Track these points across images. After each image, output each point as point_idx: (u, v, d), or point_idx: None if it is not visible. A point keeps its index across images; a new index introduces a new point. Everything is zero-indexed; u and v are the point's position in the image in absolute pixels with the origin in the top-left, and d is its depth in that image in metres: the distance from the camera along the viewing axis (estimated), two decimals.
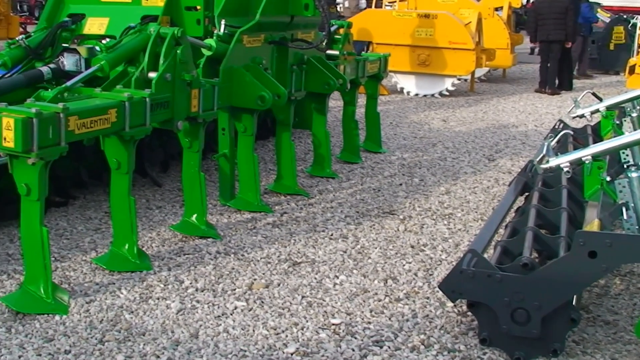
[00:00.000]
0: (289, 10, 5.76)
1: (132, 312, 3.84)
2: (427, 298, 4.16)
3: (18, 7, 22.71)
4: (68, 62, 5.81)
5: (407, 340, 3.66)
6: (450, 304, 4.01)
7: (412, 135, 8.93)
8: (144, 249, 4.63)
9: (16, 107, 3.66)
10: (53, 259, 4.31)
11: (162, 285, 4.17)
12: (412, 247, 5.00)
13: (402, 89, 12.60)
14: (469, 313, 3.74)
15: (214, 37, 5.28)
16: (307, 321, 3.81)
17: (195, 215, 4.98)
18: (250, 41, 5.41)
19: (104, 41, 5.75)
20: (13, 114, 3.58)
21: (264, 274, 4.41)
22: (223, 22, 5.31)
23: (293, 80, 5.89)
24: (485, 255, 3.70)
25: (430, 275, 4.51)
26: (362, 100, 7.82)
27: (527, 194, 5.18)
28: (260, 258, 4.65)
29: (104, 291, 4.07)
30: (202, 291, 4.11)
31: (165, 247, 4.79)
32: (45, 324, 3.67)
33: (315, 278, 4.37)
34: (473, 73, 12.93)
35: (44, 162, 3.68)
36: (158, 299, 4.00)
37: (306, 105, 6.46)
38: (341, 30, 6.97)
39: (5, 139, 3.59)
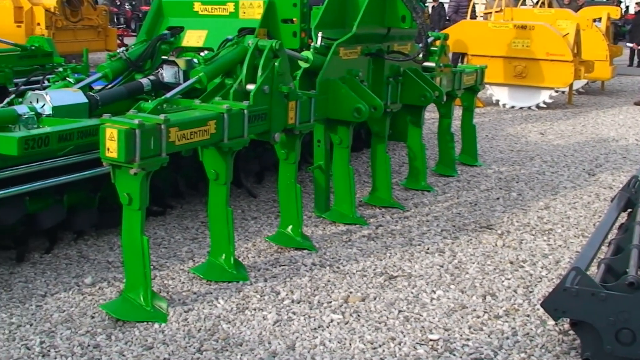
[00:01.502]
0: (386, 22, 5.72)
1: (230, 322, 3.85)
2: (528, 316, 4.04)
3: (115, 20, 23.38)
4: (167, 74, 5.93)
5: (507, 358, 3.56)
6: (551, 322, 3.89)
7: (508, 148, 8.75)
8: (240, 259, 4.66)
9: (119, 119, 3.73)
10: (152, 267, 4.38)
11: (258, 296, 4.18)
12: (511, 263, 4.87)
13: (497, 101, 12.38)
14: (571, 332, 3.61)
15: (311, 49, 5.29)
16: (404, 336, 3.75)
17: (290, 227, 4.99)
18: (347, 53, 5.40)
19: (202, 53, 5.85)
20: (116, 125, 3.65)
21: (359, 287, 4.37)
22: (320, 34, 5.32)
23: (389, 93, 5.84)
24: (588, 273, 3.56)
25: (530, 292, 4.38)
26: (457, 112, 7.70)
27: (630, 210, 4.99)
28: (356, 271, 4.61)
29: (201, 300, 4.10)
30: (298, 303, 4.10)
31: (261, 258, 4.80)
32: (145, 331, 3.72)
33: (412, 292, 4.31)
34: (571, 85, 12.60)
35: (146, 173, 3.74)
36: (255, 309, 4.01)
37: (401, 118, 6.40)
38: (438, 42, 6.90)
39: (108, 149, 3.66)
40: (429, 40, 6.62)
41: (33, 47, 7.84)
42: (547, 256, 5.01)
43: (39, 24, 13.98)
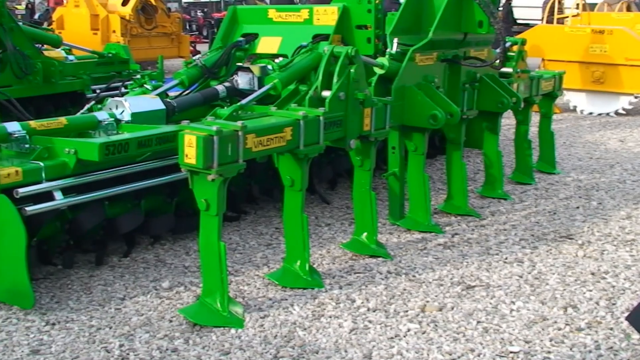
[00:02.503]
0: (462, 27, 5.64)
1: (305, 329, 3.84)
2: (611, 329, 3.92)
3: (187, 27, 23.72)
4: (242, 80, 5.98)
5: None
6: (636, 336, 3.76)
7: (587, 155, 8.54)
8: (314, 266, 4.64)
9: (197, 125, 3.76)
10: (228, 273, 4.39)
11: (333, 304, 4.15)
12: (593, 274, 4.73)
13: (574, 107, 12.11)
14: None
15: (386, 56, 5.25)
16: (483, 347, 3.67)
17: (365, 234, 4.95)
18: (423, 59, 5.34)
19: (276, 60, 5.88)
20: (195, 131, 3.67)
21: (436, 296, 4.30)
22: (396, 40, 5.27)
23: (465, 99, 5.76)
24: None
25: (613, 304, 4.25)
26: (534, 118, 7.56)
27: None
28: (432, 280, 4.55)
29: (277, 307, 4.10)
30: (374, 311, 4.06)
31: (335, 265, 4.78)
32: (222, 336, 3.73)
33: (491, 303, 4.22)
34: None
35: (223, 179, 3.75)
36: (330, 317, 3.98)
37: (476, 124, 6.30)
38: (515, 48, 6.78)
39: (187, 155, 3.69)
40: (507, 45, 6.50)
41: (110, 54, 8.00)
42: (630, 267, 4.86)
43: (114, 32, 14.30)
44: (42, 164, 4.18)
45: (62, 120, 4.74)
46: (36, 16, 17.97)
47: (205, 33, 24.93)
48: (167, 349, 3.60)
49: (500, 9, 19.09)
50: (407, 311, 4.08)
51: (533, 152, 7.26)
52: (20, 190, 4.02)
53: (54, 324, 3.87)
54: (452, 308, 4.13)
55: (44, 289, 4.32)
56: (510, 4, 19.20)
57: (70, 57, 7.77)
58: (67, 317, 3.96)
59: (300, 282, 4.39)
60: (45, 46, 7.47)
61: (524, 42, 6.92)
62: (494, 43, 6.25)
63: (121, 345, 3.64)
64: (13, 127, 4.43)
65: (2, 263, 3.98)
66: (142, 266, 4.73)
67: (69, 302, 4.14)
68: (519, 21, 20.22)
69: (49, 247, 4.55)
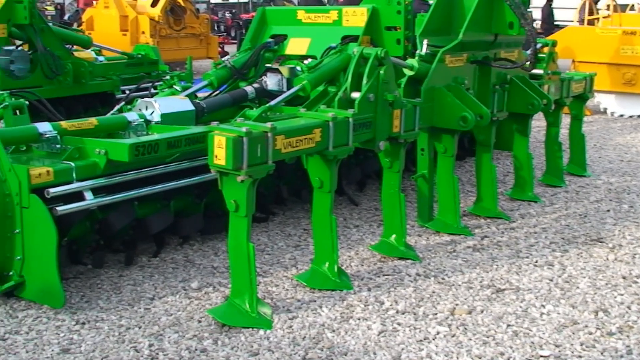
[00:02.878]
0: (493, 28, 5.60)
1: (334, 330, 3.83)
2: None
3: (216, 28, 23.81)
4: (271, 82, 5.98)
5: None
6: None
7: (618, 158, 8.45)
8: (343, 267, 4.63)
9: (227, 126, 3.76)
10: (256, 273, 4.39)
11: (362, 306, 4.14)
12: (624, 278, 4.68)
13: (605, 109, 11.99)
14: None
15: (416, 57, 5.22)
16: (513, 351, 3.64)
17: (394, 236, 4.93)
18: (453, 61, 5.31)
19: (305, 61, 5.87)
20: (225, 132, 3.67)
21: (465, 299, 4.27)
22: (425, 41, 5.25)
23: (495, 101, 5.72)
24: None
25: None
26: (564, 120, 7.48)
27: None
28: (462, 282, 4.51)
29: (305, 308, 4.09)
30: (403, 314, 4.04)
31: (364, 267, 4.76)
32: (250, 337, 3.73)
33: (521, 306, 4.18)
34: None
35: (252, 180, 3.75)
36: (359, 319, 3.97)
37: (506, 126, 6.25)
38: (545, 49, 6.72)
39: (216, 156, 3.70)
40: (537, 47, 6.44)
41: (139, 55, 8.04)
42: None
43: (143, 33, 14.40)
44: (73, 164, 4.20)
45: (93, 120, 4.77)
46: (66, 17, 18.14)
47: (233, 34, 25.02)
48: (196, 349, 3.61)
49: (530, 10, 18.99)
50: (436, 314, 4.05)
51: (563, 155, 7.18)
52: (52, 190, 4.05)
53: (83, 323, 3.89)
54: (482, 311, 4.10)
55: (74, 288, 4.35)
56: (550, 5, 19.06)
57: (100, 58, 7.82)
58: (97, 316, 3.98)
59: (328, 283, 4.38)
60: (75, 47, 7.52)
61: (554, 44, 6.86)
62: (524, 44, 6.21)
63: (150, 345, 3.65)
64: (44, 127, 4.46)
65: (33, 262, 4.01)
66: (171, 266, 4.75)
67: (98, 302, 4.17)
68: (557, 23, 20.05)
69: (79, 246, 4.58)
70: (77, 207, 4.21)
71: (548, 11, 19.06)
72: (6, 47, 5.61)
